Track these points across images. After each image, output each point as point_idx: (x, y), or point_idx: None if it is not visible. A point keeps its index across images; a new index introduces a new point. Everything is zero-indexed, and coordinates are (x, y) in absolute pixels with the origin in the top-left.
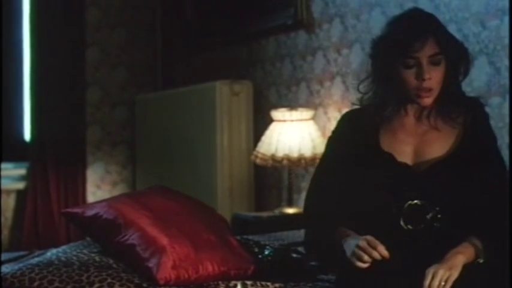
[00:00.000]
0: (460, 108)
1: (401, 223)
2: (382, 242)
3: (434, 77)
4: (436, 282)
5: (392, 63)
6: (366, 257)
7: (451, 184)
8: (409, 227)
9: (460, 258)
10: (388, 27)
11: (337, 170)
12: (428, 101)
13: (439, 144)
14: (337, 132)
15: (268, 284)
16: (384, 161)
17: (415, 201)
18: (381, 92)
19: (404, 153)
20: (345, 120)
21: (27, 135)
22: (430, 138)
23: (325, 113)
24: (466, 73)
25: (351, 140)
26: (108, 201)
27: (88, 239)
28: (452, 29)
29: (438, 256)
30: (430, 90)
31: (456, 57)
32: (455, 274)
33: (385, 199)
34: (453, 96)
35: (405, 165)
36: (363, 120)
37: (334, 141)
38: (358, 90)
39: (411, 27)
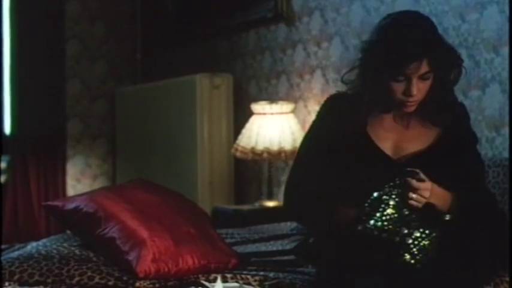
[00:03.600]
0: (442, 109)
1: None
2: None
3: (421, 90)
4: (420, 185)
5: (383, 76)
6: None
7: (430, 175)
8: None
9: (438, 190)
10: (382, 37)
11: (321, 154)
12: (412, 109)
13: (419, 140)
14: (320, 116)
15: (249, 277)
16: (367, 152)
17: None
18: (368, 97)
19: (385, 148)
20: (328, 105)
21: (7, 129)
22: (410, 135)
23: (305, 106)
24: (455, 81)
25: (334, 125)
26: (89, 195)
27: (68, 232)
28: None
29: None
30: (416, 100)
31: (447, 69)
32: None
33: (366, 189)
34: (439, 100)
35: (387, 156)
36: (347, 106)
37: (317, 126)
38: (342, 81)
39: (407, 47)
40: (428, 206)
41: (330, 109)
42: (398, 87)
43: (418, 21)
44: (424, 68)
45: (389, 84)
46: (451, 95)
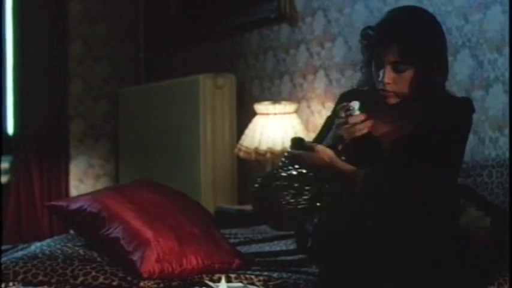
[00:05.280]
0: (438, 107)
1: None
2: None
3: (397, 83)
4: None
5: (368, 60)
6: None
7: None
8: None
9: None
10: (376, 24)
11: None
12: (391, 100)
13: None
14: (334, 110)
15: (253, 277)
16: (364, 142)
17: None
18: (364, 82)
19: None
20: (342, 100)
21: (10, 129)
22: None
23: (308, 106)
24: (437, 79)
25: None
26: (93, 195)
27: (72, 232)
28: None
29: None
30: (392, 91)
31: (423, 64)
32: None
33: None
34: (429, 95)
35: (377, 143)
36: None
37: (330, 119)
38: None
39: (379, 31)
40: None
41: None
42: (378, 75)
43: (409, 14)
44: (395, 55)
45: (373, 69)
46: (438, 92)
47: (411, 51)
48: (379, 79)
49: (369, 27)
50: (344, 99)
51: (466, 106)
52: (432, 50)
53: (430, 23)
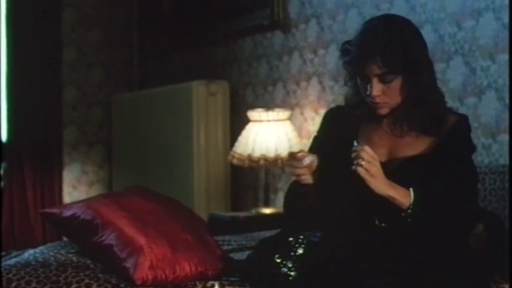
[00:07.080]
0: (430, 120)
1: (376, 222)
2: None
3: (386, 93)
4: (364, 149)
5: (353, 74)
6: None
7: (420, 181)
8: (383, 225)
9: (391, 189)
10: (355, 36)
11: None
12: (382, 111)
13: (412, 147)
14: (320, 129)
15: (246, 284)
16: None
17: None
18: (352, 95)
19: (379, 155)
20: (328, 117)
21: (3, 136)
22: (404, 143)
23: (302, 113)
24: (427, 88)
25: (331, 136)
26: (86, 202)
27: (65, 239)
28: (428, 29)
29: (407, 253)
30: (382, 103)
31: (410, 74)
32: (373, 170)
33: (358, 196)
34: (415, 106)
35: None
36: (344, 117)
37: (317, 138)
38: (346, 85)
39: (360, 46)
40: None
41: (327, 122)
42: (364, 87)
43: (386, 24)
44: (380, 68)
45: (359, 84)
46: (433, 102)
47: (395, 60)
48: (367, 93)
49: (347, 42)
50: (329, 116)
51: (467, 124)
52: (415, 54)
53: (407, 28)
